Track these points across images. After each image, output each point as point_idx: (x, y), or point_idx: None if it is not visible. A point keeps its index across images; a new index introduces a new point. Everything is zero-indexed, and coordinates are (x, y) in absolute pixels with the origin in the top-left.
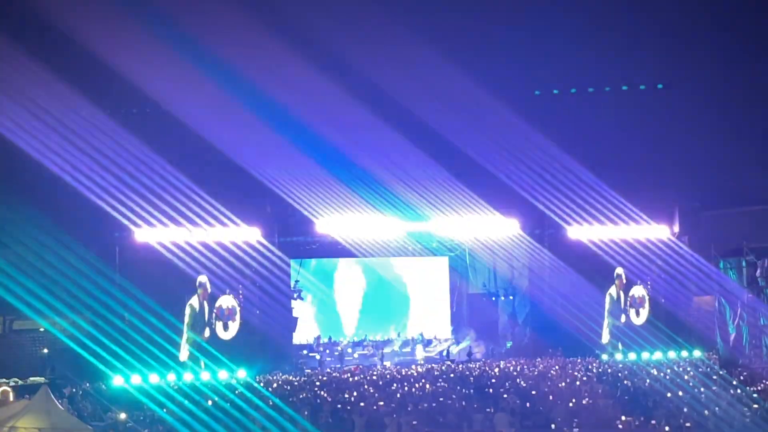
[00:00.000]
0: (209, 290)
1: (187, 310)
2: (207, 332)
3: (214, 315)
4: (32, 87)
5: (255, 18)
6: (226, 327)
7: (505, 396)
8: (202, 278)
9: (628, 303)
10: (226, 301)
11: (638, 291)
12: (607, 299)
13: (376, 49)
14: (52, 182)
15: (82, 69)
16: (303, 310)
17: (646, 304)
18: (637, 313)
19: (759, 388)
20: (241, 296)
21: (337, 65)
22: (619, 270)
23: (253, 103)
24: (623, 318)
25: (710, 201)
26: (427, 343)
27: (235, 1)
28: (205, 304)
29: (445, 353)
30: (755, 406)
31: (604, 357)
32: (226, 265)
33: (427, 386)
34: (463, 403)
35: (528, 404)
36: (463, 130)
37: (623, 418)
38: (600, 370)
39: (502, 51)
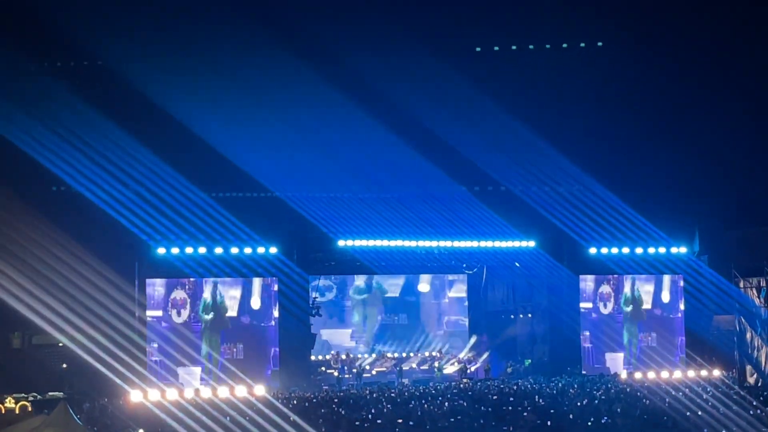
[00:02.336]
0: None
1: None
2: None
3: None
4: (51, 103)
5: (275, 33)
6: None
7: (525, 414)
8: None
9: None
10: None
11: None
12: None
13: (396, 66)
14: (71, 197)
15: (103, 86)
16: (321, 326)
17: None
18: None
19: None
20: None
21: (357, 81)
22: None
23: (272, 118)
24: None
25: (731, 220)
26: (446, 360)
27: (256, 18)
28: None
29: (463, 371)
30: None
31: (623, 376)
32: (245, 280)
33: (445, 404)
34: (482, 421)
35: (548, 422)
36: (484, 148)
37: None
38: (619, 388)
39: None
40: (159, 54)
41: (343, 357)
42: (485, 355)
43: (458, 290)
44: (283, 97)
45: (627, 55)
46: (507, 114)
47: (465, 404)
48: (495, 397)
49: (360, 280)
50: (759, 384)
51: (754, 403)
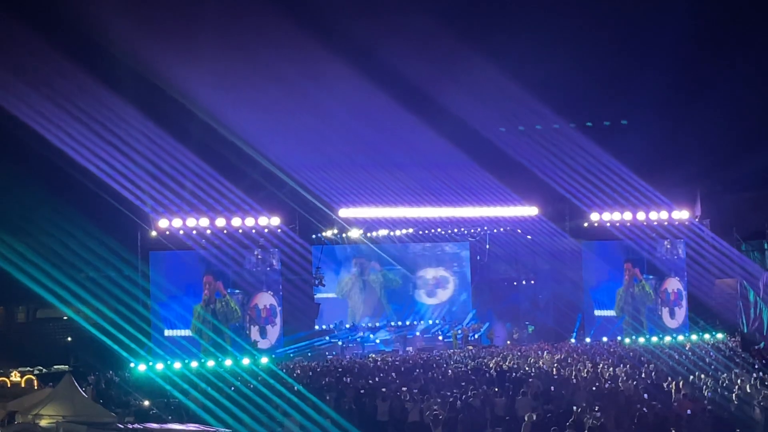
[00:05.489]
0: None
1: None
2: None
3: (248, 317)
4: (56, 78)
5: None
6: (263, 333)
7: (530, 380)
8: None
9: (660, 299)
10: (264, 299)
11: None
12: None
13: (397, 34)
14: (74, 170)
15: (106, 62)
16: (325, 296)
17: (683, 301)
18: (672, 313)
19: None
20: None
21: (359, 52)
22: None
23: (274, 90)
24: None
25: (732, 184)
26: (449, 328)
27: None
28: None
29: (467, 338)
30: None
31: (627, 341)
32: (247, 251)
33: (449, 371)
34: (485, 387)
35: (552, 388)
36: (485, 115)
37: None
38: (622, 353)
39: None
40: (159, 23)
41: (348, 326)
42: (489, 322)
43: (461, 258)
44: (283, 67)
45: (631, 18)
46: (509, 79)
47: (469, 371)
48: (498, 364)
49: (363, 249)
50: (762, 346)
51: (756, 366)
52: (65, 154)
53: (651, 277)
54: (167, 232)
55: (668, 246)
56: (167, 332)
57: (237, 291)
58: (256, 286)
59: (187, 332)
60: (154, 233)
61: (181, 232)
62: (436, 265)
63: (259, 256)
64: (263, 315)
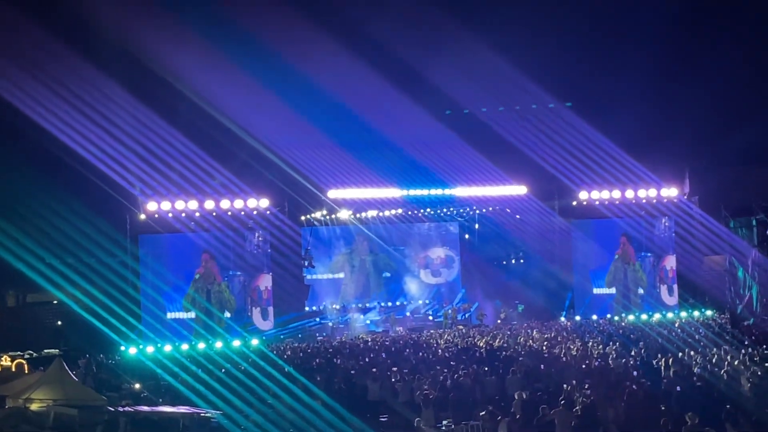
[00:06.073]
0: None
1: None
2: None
3: (250, 300)
4: (44, 60)
5: None
6: (265, 314)
7: (520, 359)
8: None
9: (659, 277)
10: (265, 281)
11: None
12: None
13: (386, 12)
14: (62, 152)
15: (94, 42)
16: (314, 277)
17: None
18: (670, 291)
19: None
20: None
21: (348, 31)
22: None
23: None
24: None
25: (720, 160)
26: (439, 308)
27: None
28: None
29: (457, 317)
30: (767, 364)
31: (616, 318)
32: (235, 233)
33: (439, 351)
34: (475, 366)
35: (542, 366)
36: (473, 92)
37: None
38: (611, 331)
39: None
40: (146, 1)
41: (338, 307)
42: (478, 302)
43: (450, 238)
44: (272, 46)
45: None
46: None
47: (459, 350)
48: (488, 343)
49: (352, 230)
50: (751, 323)
51: (746, 342)
52: (52, 136)
53: (649, 254)
54: (156, 215)
55: (666, 224)
56: (159, 315)
57: (238, 273)
58: (258, 268)
59: (178, 315)
60: (143, 216)
61: (170, 215)
62: (442, 244)
63: (261, 238)
64: (264, 297)
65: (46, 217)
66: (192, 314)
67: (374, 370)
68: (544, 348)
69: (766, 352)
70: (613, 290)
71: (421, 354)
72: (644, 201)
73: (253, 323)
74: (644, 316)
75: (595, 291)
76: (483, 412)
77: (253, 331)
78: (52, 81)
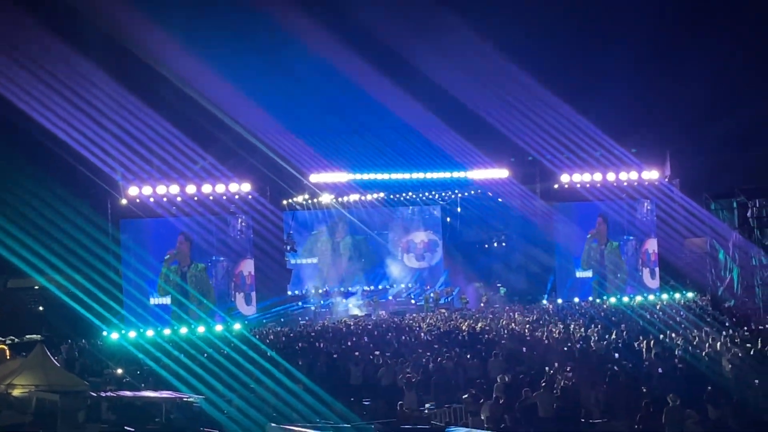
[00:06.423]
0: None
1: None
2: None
3: (233, 284)
4: (24, 44)
5: None
6: (248, 299)
7: (502, 342)
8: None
9: (641, 260)
10: (248, 266)
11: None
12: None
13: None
14: (42, 136)
15: (75, 25)
16: (297, 261)
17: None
18: (652, 274)
19: (751, 329)
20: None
21: (330, 14)
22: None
23: (242, 55)
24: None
25: (701, 143)
26: (421, 291)
27: None
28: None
29: (439, 301)
30: (747, 346)
31: (597, 301)
32: (217, 218)
33: (422, 334)
34: (458, 350)
35: (524, 349)
36: (455, 76)
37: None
38: (593, 313)
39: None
40: None
41: (320, 291)
42: (461, 286)
43: (433, 221)
44: (254, 30)
45: None
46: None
47: (441, 334)
48: (470, 326)
49: (333, 214)
50: (732, 305)
51: (726, 324)
52: (33, 120)
53: (631, 238)
54: (137, 200)
55: (648, 207)
56: (141, 300)
57: (222, 258)
58: (241, 253)
59: (161, 300)
60: (124, 201)
61: (152, 199)
62: (425, 228)
63: (243, 223)
64: (248, 282)
65: (28, 202)
66: (169, 299)
67: (357, 353)
68: (526, 331)
69: (746, 333)
70: (590, 273)
71: (403, 338)
72: (625, 184)
73: (237, 308)
74: (626, 299)
75: (578, 274)
76: (465, 395)
77: (236, 315)
78: (33, 65)
